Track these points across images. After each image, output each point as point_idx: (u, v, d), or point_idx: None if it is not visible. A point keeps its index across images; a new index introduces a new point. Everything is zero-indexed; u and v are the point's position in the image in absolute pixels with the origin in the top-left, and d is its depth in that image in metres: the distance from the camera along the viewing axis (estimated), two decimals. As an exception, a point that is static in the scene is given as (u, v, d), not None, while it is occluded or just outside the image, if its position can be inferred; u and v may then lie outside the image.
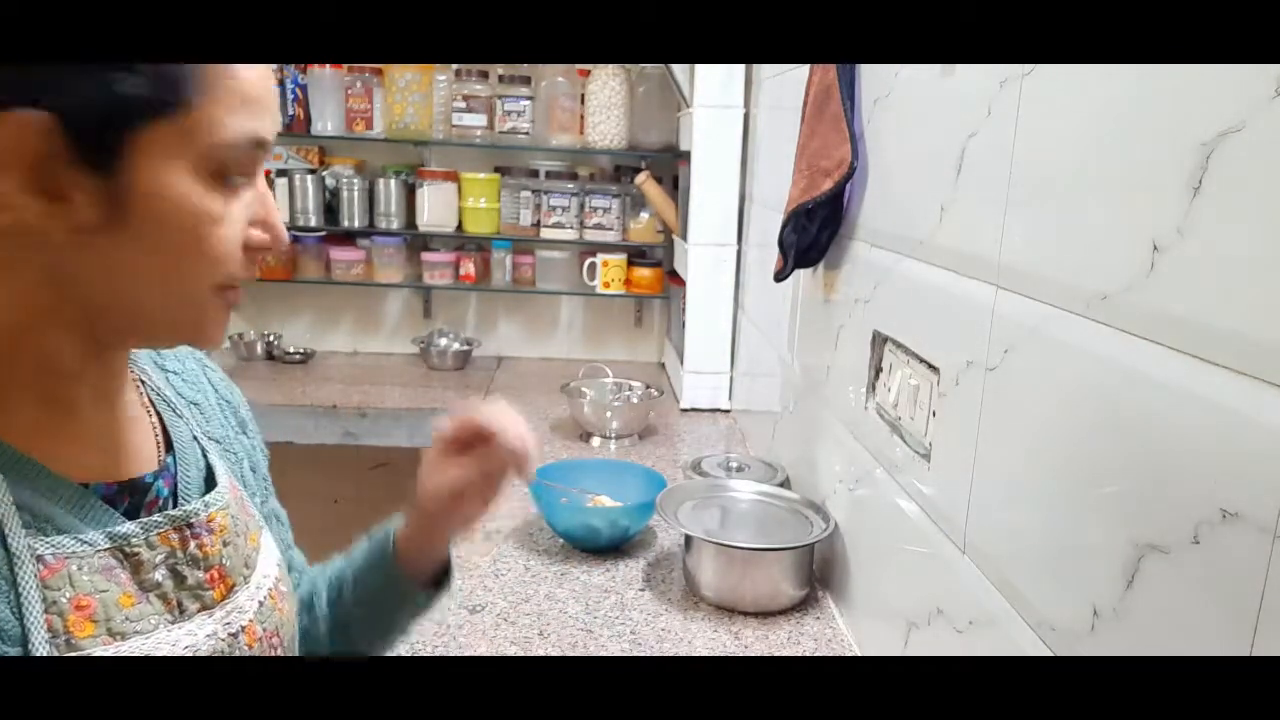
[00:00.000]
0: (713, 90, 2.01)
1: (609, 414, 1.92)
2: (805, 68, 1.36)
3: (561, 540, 1.39)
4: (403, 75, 2.40)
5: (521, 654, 1.08)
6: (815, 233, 1.28)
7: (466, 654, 1.08)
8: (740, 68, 2.02)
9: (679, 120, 2.34)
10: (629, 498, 1.41)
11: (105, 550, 0.56)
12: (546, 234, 2.50)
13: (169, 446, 0.64)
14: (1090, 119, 0.65)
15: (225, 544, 0.63)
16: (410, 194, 2.48)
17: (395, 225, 2.48)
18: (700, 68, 2.03)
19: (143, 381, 0.66)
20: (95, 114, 0.49)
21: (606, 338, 2.71)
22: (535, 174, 2.54)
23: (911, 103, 1.03)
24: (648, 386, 2.06)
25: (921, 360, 0.95)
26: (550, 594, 1.23)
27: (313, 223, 2.44)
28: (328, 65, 2.38)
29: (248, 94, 0.53)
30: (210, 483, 0.66)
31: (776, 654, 1.11)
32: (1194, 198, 0.53)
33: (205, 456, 0.67)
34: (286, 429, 2.21)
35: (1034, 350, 0.72)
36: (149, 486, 0.62)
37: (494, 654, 1.08)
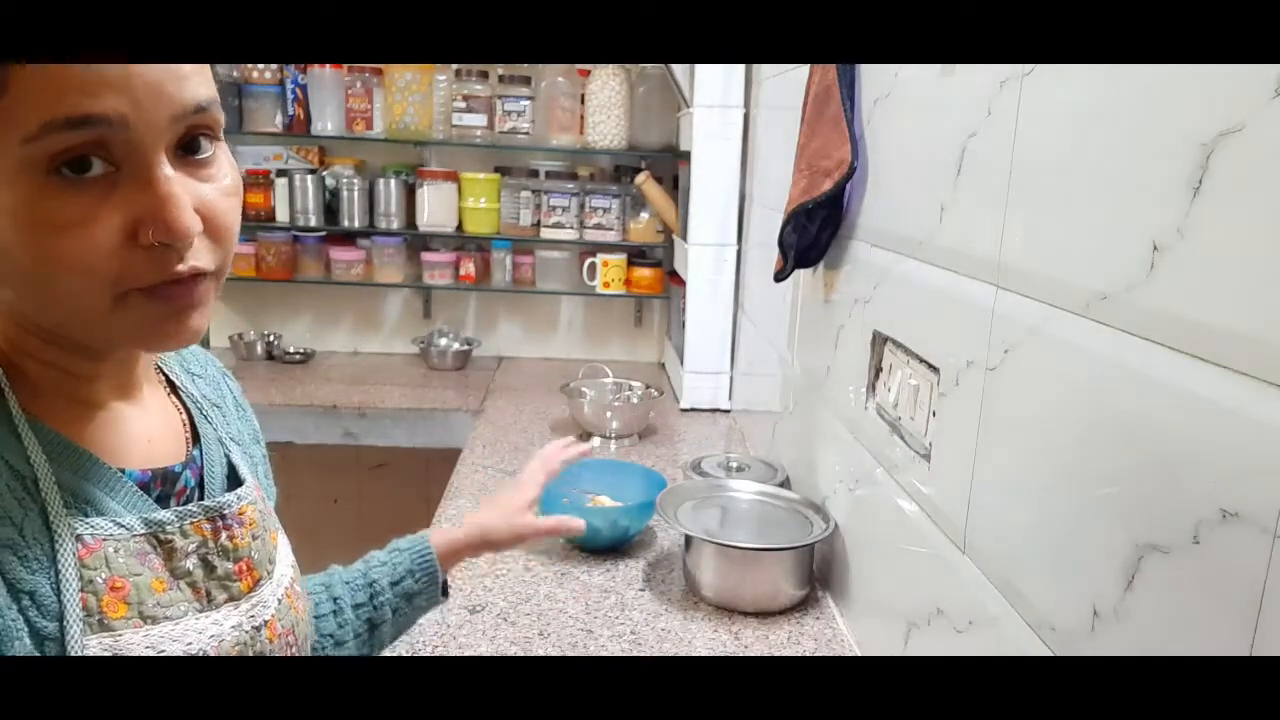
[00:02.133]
0: (713, 90, 2.01)
1: (609, 414, 1.92)
2: (805, 68, 1.36)
3: (561, 540, 1.39)
4: (403, 75, 2.40)
5: (521, 654, 1.08)
6: (815, 233, 1.28)
7: (466, 654, 1.08)
8: (740, 68, 2.02)
9: (679, 120, 2.34)
10: (629, 498, 1.41)
11: (140, 536, 0.56)
12: (546, 234, 2.50)
13: (195, 441, 0.65)
14: (1091, 119, 0.65)
15: (254, 537, 0.64)
16: (410, 194, 2.48)
17: (395, 225, 2.48)
18: (700, 68, 2.03)
19: (171, 381, 0.67)
20: None
21: (606, 338, 2.71)
22: (535, 174, 2.54)
23: (911, 103, 1.03)
24: (648, 386, 2.06)
25: (921, 360, 0.95)
26: (550, 594, 1.23)
27: (313, 223, 2.44)
28: (328, 65, 2.38)
29: (67, 74, 0.46)
30: (234, 482, 0.67)
31: (776, 654, 1.11)
32: (1194, 198, 0.53)
33: (228, 457, 0.68)
34: (286, 429, 2.21)
35: (1034, 350, 0.72)
36: (178, 476, 0.62)
37: (494, 654, 1.08)
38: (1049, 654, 0.67)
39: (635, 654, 1.09)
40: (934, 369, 0.92)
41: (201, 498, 0.64)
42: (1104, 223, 0.63)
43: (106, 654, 0.52)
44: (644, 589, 1.26)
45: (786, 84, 1.61)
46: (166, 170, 0.50)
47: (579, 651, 1.09)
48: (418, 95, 2.41)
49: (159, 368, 0.67)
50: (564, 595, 1.23)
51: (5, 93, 0.45)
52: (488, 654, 1.08)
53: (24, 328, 0.55)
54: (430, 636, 1.10)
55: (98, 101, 0.46)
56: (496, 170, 2.52)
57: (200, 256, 0.52)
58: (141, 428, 0.62)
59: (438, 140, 2.46)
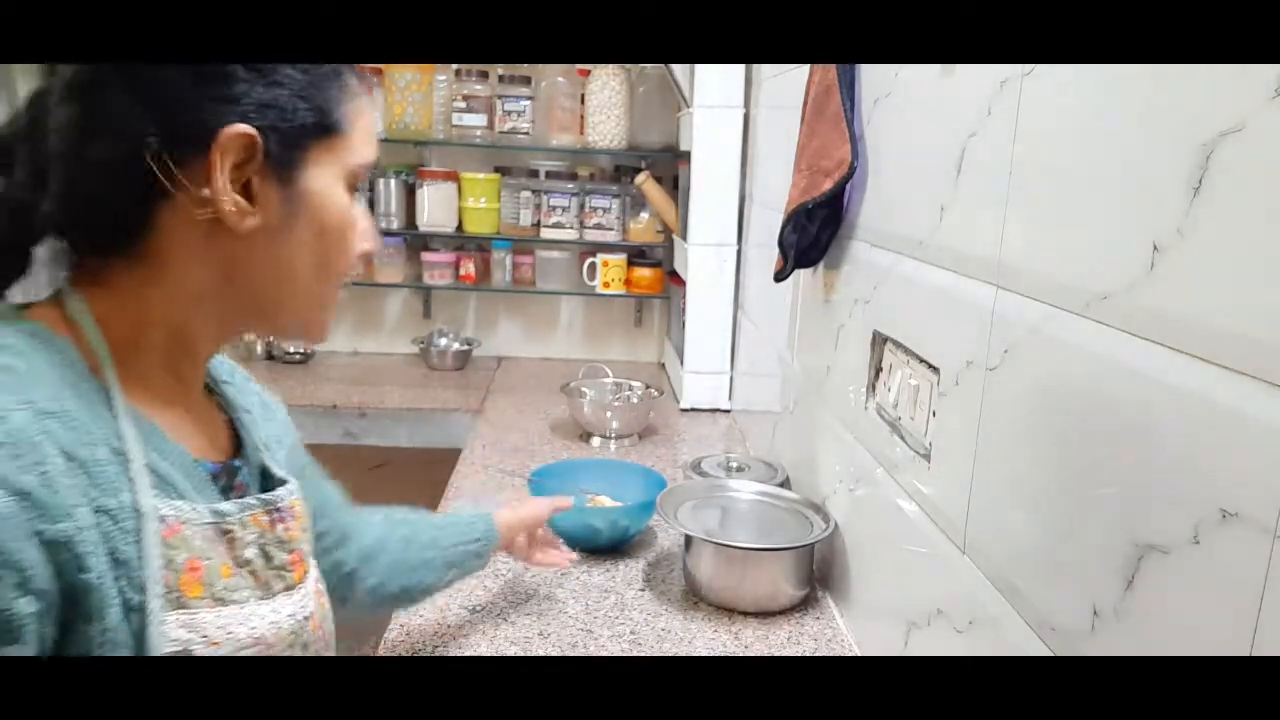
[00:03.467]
0: (713, 90, 2.01)
1: (609, 414, 1.92)
2: (805, 68, 1.36)
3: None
4: (403, 75, 2.40)
5: (521, 654, 1.08)
6: (815, 233, 1.28)
7: (466, 654, 1.08)
8: (740, 68, 2.02)
9: (679, 120, 2.34)
10: (629, 498, 1.41)
11: (208, 523, 0.61)
12: (546, 234, 2.50)
13: (237, 442, 0.71)
14: (1090, 119, 0.65)
15: (303, 530, 0.70)
16: (410, 194, 2.48)
17: (395, 225, 2.48)
18: (700, 68, 2.03)
19: (209, 387, 0.72)
20: (282, 134, 0.59)
21: (606, 338, 2.71)
22: (535, 174, 2.54)
23: (911, 103, 1.03)
24: (648, 386, 2.06)
25: (921, 360, 0.95)
26: (550, 594, 1.23)
27: (313, 223, 2.44)
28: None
29: (370, 126, 0.66)
30: (269, 481, 0.72)
31: (776, 654, 1.11)
32: (1194, 198, 0.53)
33: (261, 459, 0.73)
34: (286, 429, 2.21)
35: (1034, 350, 0.72)
36: (238, 470, 0.69)
37: (494, 654, 1.08)
38: (1049, 654, 0.67)
39: (635, 654, 1.09)
40: (934, 369, 0.92)
41: (260, 492, 0.69)
42: (1104, 223, 0.63)
43: (184, 630, 0.56)
44: (644, 589, 1.26)
45: (786, 84, 1.61)
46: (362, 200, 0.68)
47: (579, 651, 1.09)
48: (418, 95, 2.41)
49: None
50: (564, 595, 1.23)
51: (351, 129, 0.64)
52: (488, 654, 1.08)
53: (142, 315, 0.61)
54: (430, 637, 1.10)
55: (374, 150, 0.67)
56: (496, 170, 2.52)
57: None
58: (207, 423, 0.68)
59: (438, 140, 2.46)
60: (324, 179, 0.63)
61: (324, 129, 0.62)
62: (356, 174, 0.65)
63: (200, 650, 0.57)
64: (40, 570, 0.49)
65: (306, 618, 0.67)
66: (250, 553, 0.63)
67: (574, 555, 1.27)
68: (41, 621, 0.50)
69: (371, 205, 2.46)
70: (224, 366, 0.77)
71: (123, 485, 0.55)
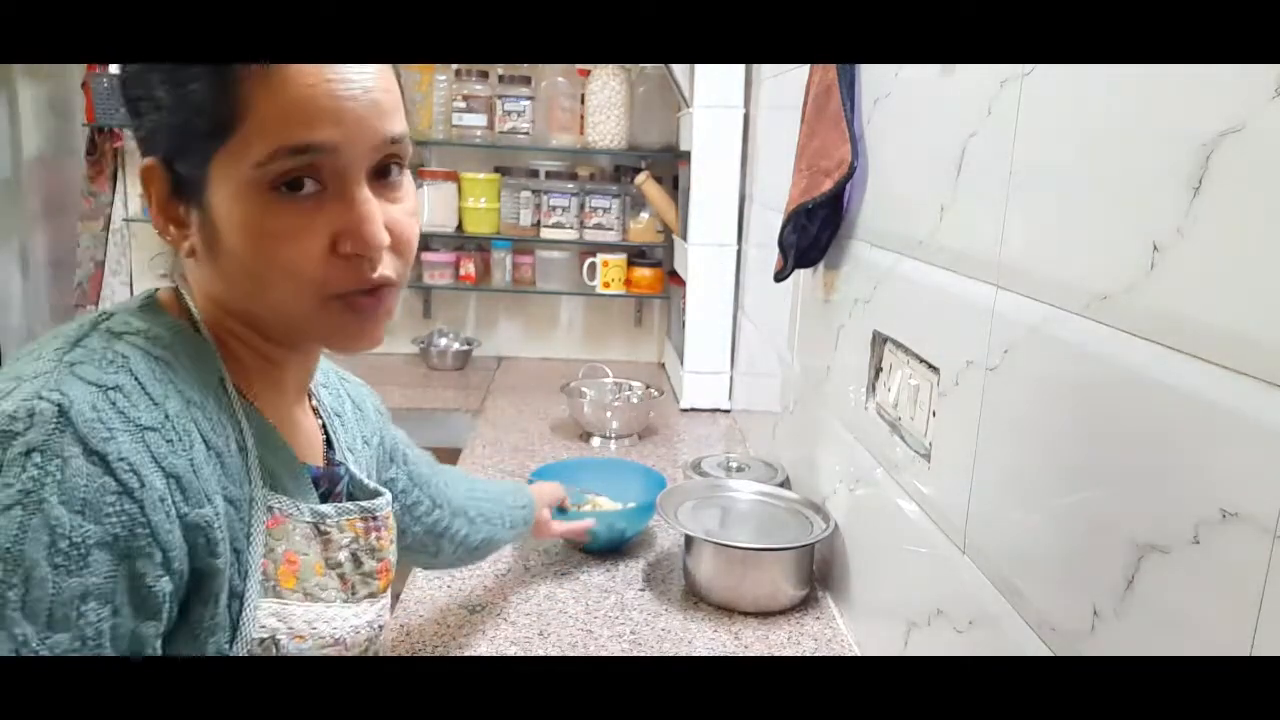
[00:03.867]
0: (713, 90, 2.01)
1: (609, 414, 1.92)
2: (805, 68, 1.36)
3: (561, 540, 1.39)
4: (403, 75, 2.39)
5: (521, 654, 1.08)
6: (815, 233, 1.28)
7: (466, 654, 1.08)
8: (740, 68, 2.02)
9: (679, 120, 2.34)
10: (629, 498, 1.40)
11: (308, 522, 0.63)
12: (546, 234, 2.50)
13: (330, 448, 0.72)
14: (1090, 119, 0.65)
15: (392, 542, 0.72)
16: (410, 194, 2.48)
17: (395, 225, 2.48)
18: (700, 68, 2.03)
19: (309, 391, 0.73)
20: (179, 153, 0.57)
21: (606, 338, 2.71)
22: (535, 174, 2.54)
23: (911, 103, 1.03)
24: (648, 386, 2.06)
25: (921, 360, 0.95)
26: (550, 594, 1.23)
27: (313, 223, 2.44)
28: (328, 65, 2.37)
29: (292, 105, 0.54)
30: (354, 485, 0.72)
31: (776, 654, 1.11)
32: (1194, 198, 0.53)
33: (347, 466, 0.74)
34: (286, 429, 2.21)
35: (1034, 350, 0.72)
36: (340, 477, 0.70)
37: (494, 654, 1.08)
38: (1049, 654, 0.67)
39: (635, 654, 1.09)
40: (934, 369, 0.92)
41: (353, 498, 0.70)
42: (1104, 223, 0.63)
43: (274, 619, 0.58)
44: (644, 589, 1.26)
45: (786, 84, 1.61)
46: (364, 191, 0.58)
47: (579, 651, 1.09)
48: (418, 95, 2.41)
49: None
50: (564, 595, 1.23)
51: (243, 123, 0.54)
52: (488, 654, 1.08)
53: (226, 310, 0.61)
54: (430, 636, 1.10)
55: (315, 132, 0.55)
56: (496, 170, 2.52)
57: (388, 267, 0.60)
58: (304, 427, 0.69)
59: (438, 140, 2.46)
60: (226, 193, 0.56)
61: (213, 136, 0.55)
62: (275, 169, 0.55)
63: (285, 641, 0.59)
64: (179, 552, 0.51)
65: (382, 626, 0.68)
66: (343, 555, 0.65)
67: (591, 523, 1.29)
68: (172, 602, 0.52)
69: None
70: (322, 368, 0.76)
71: (245, 477, 0.58)
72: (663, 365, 2.62)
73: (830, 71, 1.22)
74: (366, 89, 0.57)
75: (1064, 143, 0.69)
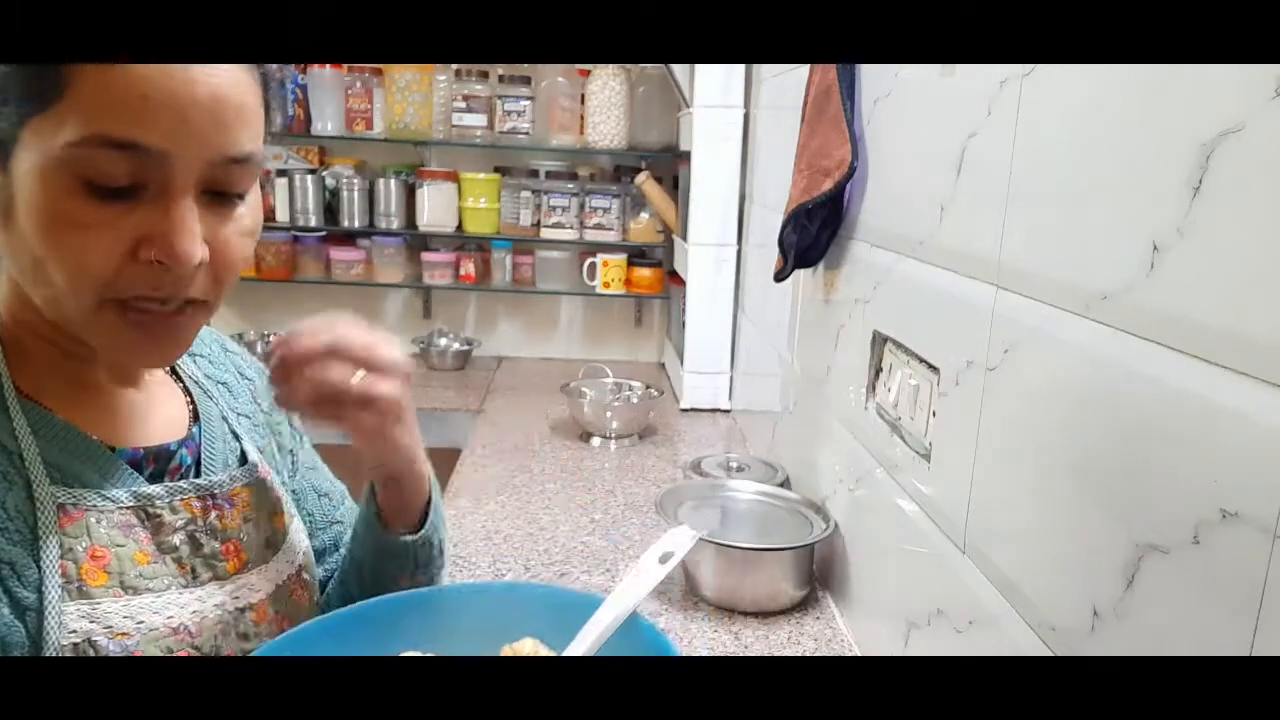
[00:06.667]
0: (713, 90, 2.01)
1: (609, 414, 1.92)
2: (805, 68, 1.36)
3: (561, 541, 1.39)
4: (403, 75, 2.40)
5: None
6: (815, 233, 1.28)
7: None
8: (740, 68, 2.02)
9: (679, 120, 2.34)
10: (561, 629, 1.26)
11: (128, 508, 0.59)
12: (546, 234, 2.50)
13: (196, 420, 0.68)
14: (1090, 119, 0.65)
15: (246, 520, 0.66)
16: (410, 194, 2.48)
17: (395, 225, 2.48)
18: (700, 68, 2.03)
19: (174, 365, 0.69)
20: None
21: (606, 338, 2.71)
22: (535, 174, 2.54)
23: (911, 103, 1.03)
24: (648, 386, 2.06)
25: (921, 360, 0.95)
26: (550, 594, 1.23)
27: (313, 223, 2.44)
28: (328, 65, 2.37)
29: (120, 93, 0.49)
30: (242, 461, 0.69)
31: (776, 654, 1.11)
32: (1194, 198, 0.53)
33: (236, 438, 0.70)
34: (286, 429, 2.21)
35: (1034, 350, 0.72)
36: (173, 454, 0.65)
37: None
38: (1049, 654, 0.67)
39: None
40: (934, 369, 0.92)
41: (198, 476, 0.65)
42: (1104, 223, 0.63)
43: (84, 621, 0.54)
44: (644, 589, 1.26)
45: (786, 84, 1.61)
46: (186, 202, 0.53)
47: (579, 651, 1.09)
48: (418, 95, 2.41)
49: None
50: (564, 595, 1.23)
51: (62, 96, 0.48)
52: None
53: (29, 304, 0.57)
54: (430, 636, 1.10)
55: (146, 132, 0.49)
56: (496, 170, 2.52)
57: (197, 287, 0.56)
58: (139, 408, 0.64)
59: (438, 140, 2.46)
60: (32, 162, 0.50)
61: (32, 95, 0.49)
62: (86, 157, 0.49)
63: (103, 641, 0.55)
64: None
65: (243, 609, 0.63)
66: (177, 539, 0.61)
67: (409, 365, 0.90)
68: None
69: (371, 205, 2.47)
70: (201, 339, 0.73)
71: (11, 483, 0.54)
72: (663, 365, 2.62)
73: (830, 72, 1.22)
74: (214, 95, 0.51)
75: (1064, 143, 0.69)
